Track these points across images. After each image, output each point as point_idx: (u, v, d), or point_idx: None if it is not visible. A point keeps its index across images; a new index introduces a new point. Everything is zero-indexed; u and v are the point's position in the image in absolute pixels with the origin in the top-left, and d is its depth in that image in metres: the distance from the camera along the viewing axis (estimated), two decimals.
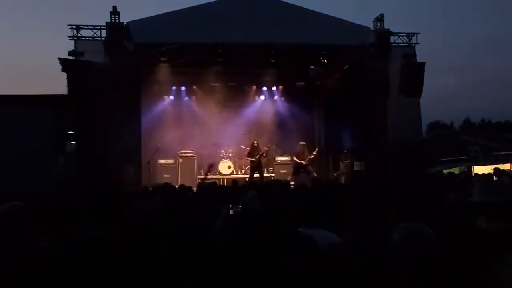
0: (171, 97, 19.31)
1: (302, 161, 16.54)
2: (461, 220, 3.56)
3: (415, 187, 7.36)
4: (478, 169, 21.35)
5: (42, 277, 3.12)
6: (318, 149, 17.55)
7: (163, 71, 17.06)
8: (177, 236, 3.48)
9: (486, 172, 12.92)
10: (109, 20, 14.22)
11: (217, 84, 18.74)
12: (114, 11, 14.28)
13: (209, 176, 17.71)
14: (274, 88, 20.23)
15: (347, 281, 3.02)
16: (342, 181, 16.17)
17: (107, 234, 3.65)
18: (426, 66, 15.21)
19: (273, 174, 18.25)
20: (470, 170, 22.22)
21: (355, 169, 16.53)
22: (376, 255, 3.02)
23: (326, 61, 17.43)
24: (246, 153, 17.42)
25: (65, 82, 13.47)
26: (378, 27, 15.64)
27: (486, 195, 3.48)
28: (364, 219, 3.70)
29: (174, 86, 18.73)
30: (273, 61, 17.20)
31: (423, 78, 15.15)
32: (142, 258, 2.93)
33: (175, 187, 8.82)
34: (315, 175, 15.98)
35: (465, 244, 2.87)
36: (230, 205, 3.39)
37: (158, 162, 17.20)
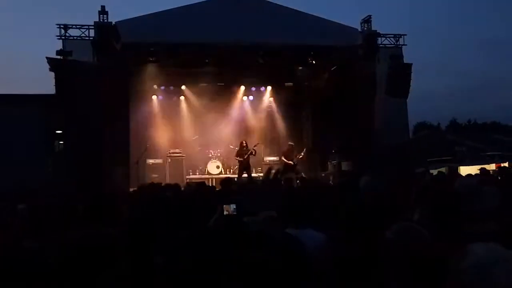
0: (160, 97, 19.28)
1: (290, 161, 16.62)
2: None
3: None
4: (464, 169, 21.53)
5: (35, 279, 3.07)
6: (306, 149, 17.66)
7: (152, 71, 17.01)
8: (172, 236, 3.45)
9: (472, 173, 13.02)
10: (97, 20, 14.22)
11: (205, 84, 18.76)
12: (103, 11, 14.26)
13: (197, 176, 17.82)
14: (262, 88, 20.32)
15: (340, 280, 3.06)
16: (330, 181, 16.26)
17: (103, 233, 3.69)
18: (413, 67, 15.38)
19: (261, 174, 18.29)
20: (456, 170, 22.40)
21: (342, 169, 16.64)
22: (368, 254, 3.08)
23: (314, 62, 17.51)
24: (234, 153, 17.46)
25: (53, 81, 13.44)
26: (365, 28, 15.77)
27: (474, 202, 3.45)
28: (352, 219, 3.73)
29: (163, 86, 18.70)
30: (261, 61, 17.24)
31: (410, 79, 15.29)
32: (139, 259, 2.93)
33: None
34: (303, 175, 16.06)
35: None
36: (224, 205, 3.40)
37: (147, 162, 17.18)
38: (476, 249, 1.51)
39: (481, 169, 12.77)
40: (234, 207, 3.29)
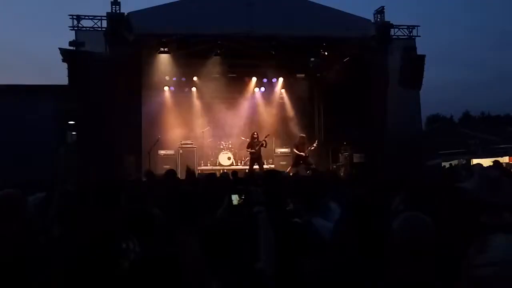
0: (172, 88, 19.29)
1: (302, 153, 16.59)
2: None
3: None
4: (477, 162, 21.36)
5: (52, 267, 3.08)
6: (317, 141, 17.61)
7: (164, 61, 17.02)
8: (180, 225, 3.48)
9: (485, 165, 12.90)
10: (109, 11, 14.20)
11: (217, 75, 18.69)
12: (115, 2, 14.22)
13: (209, 167, 17.86)
14: (274, 79, 20.26)
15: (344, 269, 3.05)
16: (341, 173, 16.20)
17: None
18: (426, 59, 15.24)
19: (272, 166, 18.28)
20: (469, 162, 22.24)
21: (354, 161, 16.58)
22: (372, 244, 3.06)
23: (326, 53, 17.39)
24: (246, 144, 17.46)
25: (66, 72, 13.50)
26: (378, 19, 15.63)
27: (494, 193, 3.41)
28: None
29: (175, 77, 18.68)
30: (273, 52, 17.16)
31: (423, 71, 15.17)
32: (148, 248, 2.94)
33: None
34: (315, 167, 16.03)
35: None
36: (232, 195, 3.37)
37: (159, 152, 17.21)
38: (496, 243, 1.44)
39: (494, 162, 12.65)
40: (243, 197, 3.25)
